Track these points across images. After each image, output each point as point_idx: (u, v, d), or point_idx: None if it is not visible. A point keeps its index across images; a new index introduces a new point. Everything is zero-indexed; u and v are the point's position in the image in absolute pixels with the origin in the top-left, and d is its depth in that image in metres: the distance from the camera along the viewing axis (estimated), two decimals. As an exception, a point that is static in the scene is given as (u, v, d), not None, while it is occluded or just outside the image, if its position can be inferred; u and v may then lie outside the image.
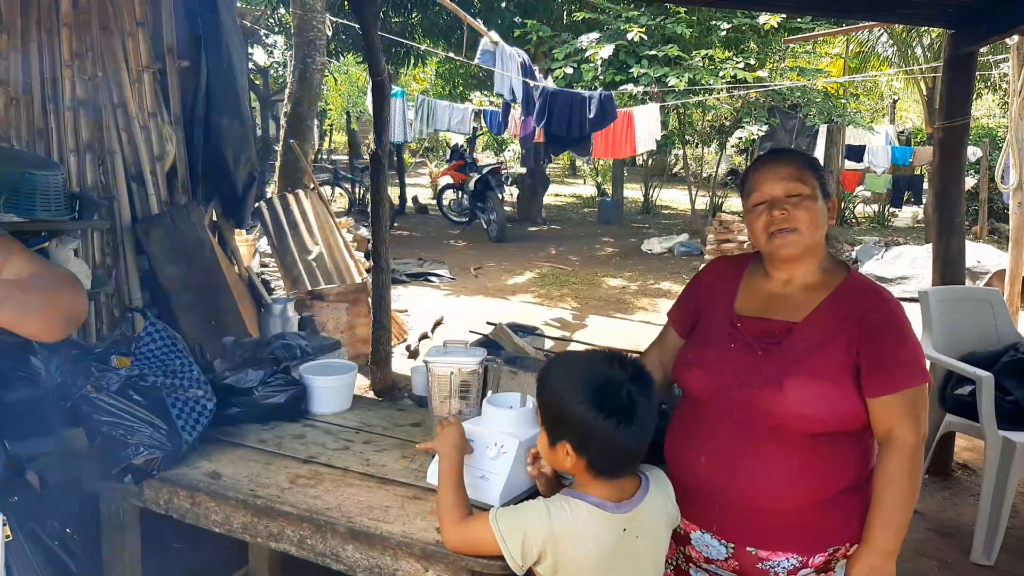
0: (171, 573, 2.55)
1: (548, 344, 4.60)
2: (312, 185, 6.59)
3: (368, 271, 7.97)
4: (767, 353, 1.77)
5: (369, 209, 12.03)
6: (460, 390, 1.86)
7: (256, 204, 6.57)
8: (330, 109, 21.18)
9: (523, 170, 13.43)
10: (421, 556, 1.57)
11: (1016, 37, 5.24)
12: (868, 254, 8.96)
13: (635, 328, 6.98)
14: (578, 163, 21.96)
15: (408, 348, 6.08)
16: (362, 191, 12.67)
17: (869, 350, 1.72)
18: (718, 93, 8.78)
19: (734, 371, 1.77)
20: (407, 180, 15.51)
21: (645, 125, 7.85)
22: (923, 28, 11.35)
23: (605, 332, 6.82)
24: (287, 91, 8.05)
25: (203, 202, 4.96)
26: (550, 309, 7.54)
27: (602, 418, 1.40)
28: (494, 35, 7.19)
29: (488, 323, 4.12)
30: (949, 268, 3.85)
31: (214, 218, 5.18)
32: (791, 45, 9.87)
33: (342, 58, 12.80)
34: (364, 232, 8.67)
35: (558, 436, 1.47)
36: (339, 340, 4.13)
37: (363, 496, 1.76)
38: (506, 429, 1.73)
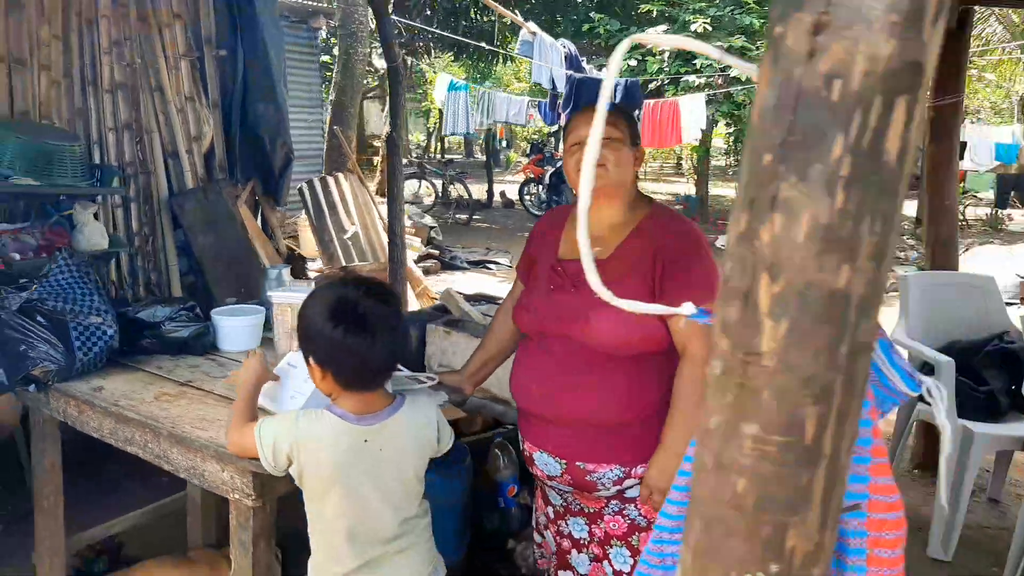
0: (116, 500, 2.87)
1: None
2: (354, 170, 6.94)
3: (422, 257, 8.31)
4: (578, 290, 1.90)
5: (453, 201, 12.52)
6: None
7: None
8: (435, 108, 21.83)
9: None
10: (217, 458, 1.78)
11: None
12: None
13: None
14: (684, 161, 21.66)
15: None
16: (445, 185, 13.05)
17: (663, 275, 1.86)
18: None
19: (555, 309, 1.93)
20: (505, 176, 15.84)
21: (691, 115, 7.74)
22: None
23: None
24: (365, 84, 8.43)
25: (242, 181, 5.38)
26: (595, 298, 7.58)
27: (332, 329, 1.55)
28: (532, 25, 7.31)
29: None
30: (941, 253, 3.69)
31: (256, 196, 5.61)
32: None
33: (435, 56, 13.23)
34: (428, 221, 9.00)
35: (308, 353, 1.63)
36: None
37: (204, 411, 1.98)
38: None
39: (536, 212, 12.95)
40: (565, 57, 7.22)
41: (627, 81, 6.55)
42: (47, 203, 3.81)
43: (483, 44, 9.30)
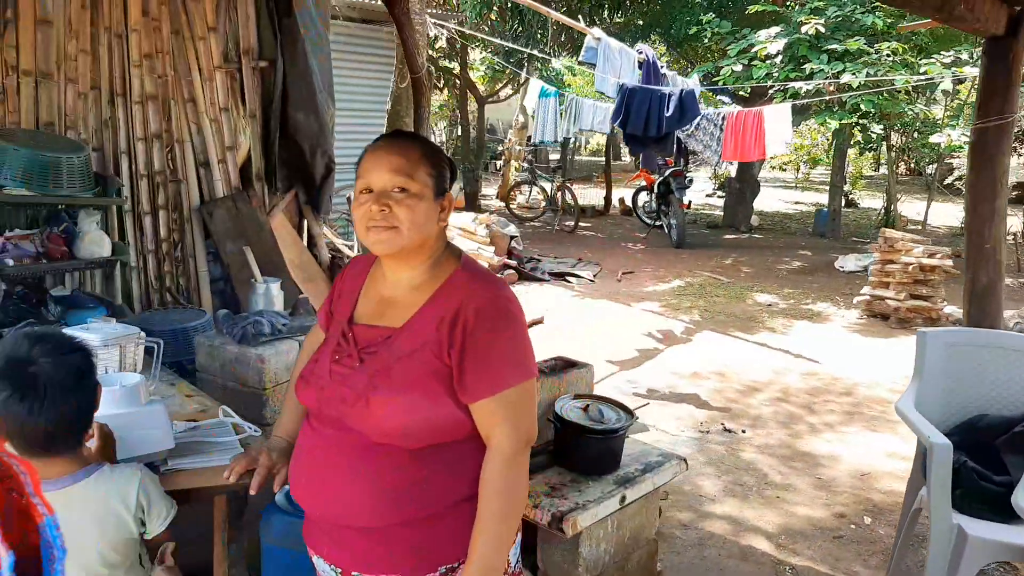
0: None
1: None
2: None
3: (497, 268, 8.13)
4: (364, 365, 1.65)
5: (559, 208, 12.27)
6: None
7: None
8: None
9: (732, 173, 12.72)
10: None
11: None
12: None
13: (741, 349, 6.36)
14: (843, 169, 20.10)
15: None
16: (554, 191, 12.82)
17: (460, 351, 1.56)
18: (907, 90, 7.60)
19: (336, 385, 1.66)
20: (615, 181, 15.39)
21: (776, 126, 7.04)
22: None
23: (697, 349, 6.31)
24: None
25: (282, 190, 5.46)
26: (666, 319, 7.13)
27: None
28: (596, 31, 6.92)
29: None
30: (976, 305, 3.06)
31: (300, 206, 5.68)
32: None
33: (559, 59, 13.03)
34: (512, 230, 8.83)
35: None
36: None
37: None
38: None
39: (647, 221, 12.46)
40: (639, 64, 6.83)
41: (682, 92, 6.04)
42: (61, 211, 3.99)
43: (533, 51, 9.01)
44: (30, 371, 1.41)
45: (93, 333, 1.91)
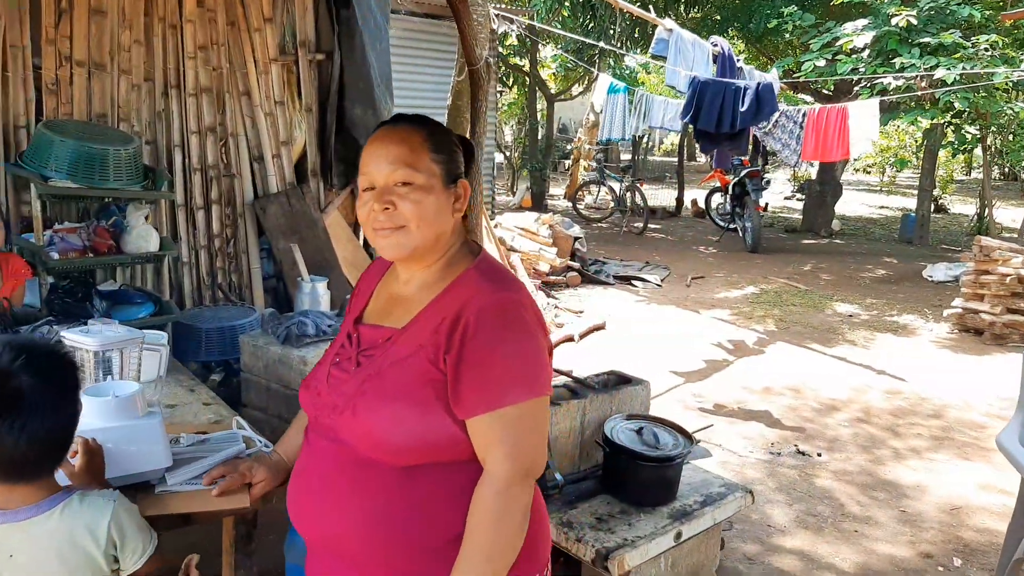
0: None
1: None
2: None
3: (559, 270, 7.87)
4: (359, 369, 1.45)
5: (628, 208, 11.93)
6: (96, 367, 1.77)
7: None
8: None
9: (812, 175, 12.13)
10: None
11: None
12: None
13: (818, 363, 5.94)
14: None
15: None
16: (623, 191, 12.47)
17: (456, 357, 1.35)
18: (1006, 88, 6.99)
19: (330, 391, 1.48)
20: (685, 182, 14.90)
21: (861, 124, 6.51)
22: None
23: (770, 362, 5.92)
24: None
25: (337, 185, 5.33)
26: (737, 329, 6.74)
27: None
28: (668, 22, 6.55)
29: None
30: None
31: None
32: None
33: (632, 55, 12.66)
34: (576, 231, 8.55)
35: None
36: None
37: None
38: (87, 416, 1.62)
39: (721, 223, 11.98)
40: (714, 57, 6.45)
41: (759, 85, 5.60)
42: (111, 204, 3.93)
43: (602, 44, 8.62)
44: (10, 386, 1.24)
45: (91, 337, 1.74)
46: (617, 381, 2.71)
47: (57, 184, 3.51)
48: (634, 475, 2.33)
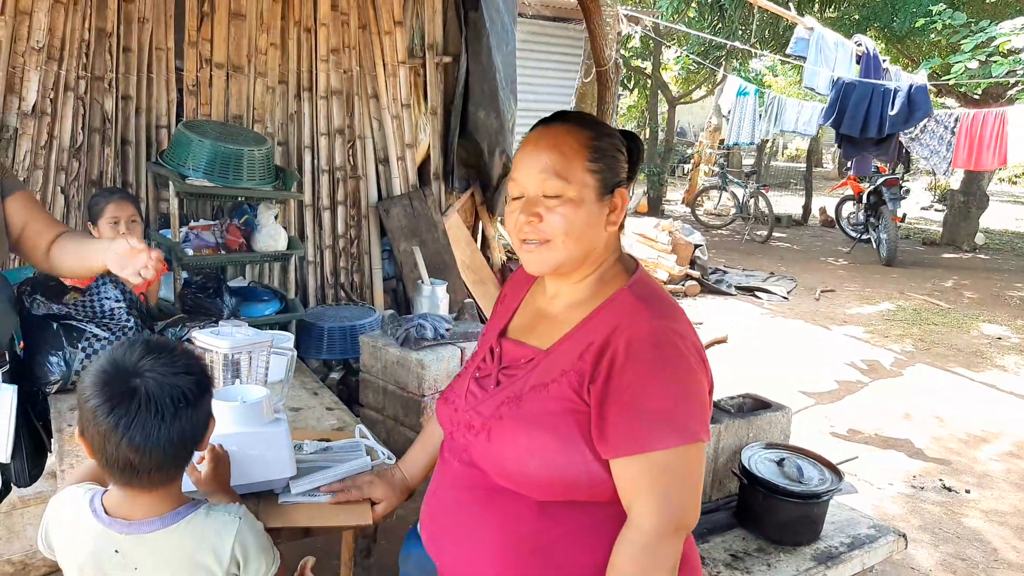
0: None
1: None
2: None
3: (678, 279, 7.61)
4: (499, 388, 1.37)
5: (751, 216, 11.45)
6: (225, 369, 1.75)
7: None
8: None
9: (953, 184, 11.28)
10: None
11: None
12: None
13: (964, 388, 5.46)
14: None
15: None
16: (746, 198, 11.99)
17: (602, 390, 1.23)
18: None
19: (468, 408, 1.41)
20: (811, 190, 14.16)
21: (1021, 131, 5.90)
22: None
23: (910, 385, 5.47)
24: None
25: (459, 189, 5.31)
26: (872, 348, 6.30)
27: (88, 398, 1.21)
28: (809, 20, 6.15)
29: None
30: None
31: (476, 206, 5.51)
32: None
33: (762, 56, 12.19)
34: (697, 238, 8.25)
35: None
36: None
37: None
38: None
39: (852, 234, 11.30)
40: (857, 57, 6.02)
41: (911, 87, 5.14)
42: (244, 204, 4.03)
43: (736, 43, 8.20)
44: (131, 383, 1.21)
45: (222, 338, 1.72)
46: (754, 405, 2.51)
47: (194, 183, 3.62)
48: (774, 511, 2.13)
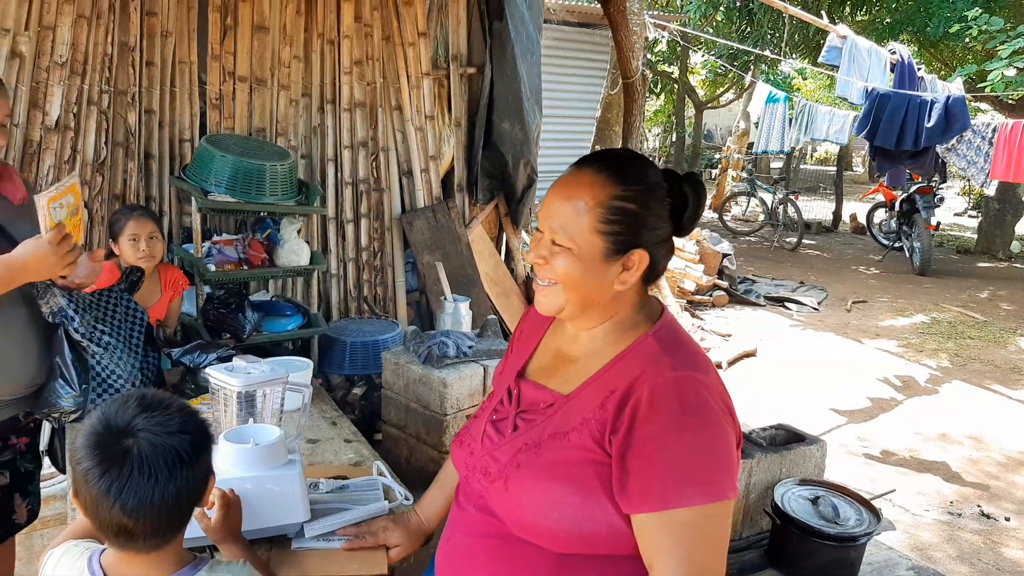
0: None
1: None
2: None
3: (705, 289, 7.49)
4: (516, 433, 1.31)
5: (780, 223, 11.27)
6: (239, 407, 1.69)
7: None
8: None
9: (987, 191, 11.01)
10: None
11: None
12: None
13: (1003, 407, 5.29)
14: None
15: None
16: (774, 204, 11.80)
17: (623, 442, 1.17)
18: None
19: (484, 453, 1.35)
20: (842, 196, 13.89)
21: None
22: None
23: (946, 403, 5.32)
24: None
25: (483, 200, 5.25)
26: (906, 363, 6.14)
27: (78, 458, 1.16)
28: (842, 29, 6.00)
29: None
30: None
31: (500, 217, 5.45)
32: None
33: (791, 61, 12.01)
34: (725, 247, 8.12)
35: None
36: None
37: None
38: (224, 463, 1.55)
39: (884, 242, 11.07)
40: (891, 66, 5.86)
41: (948, 98, 4.96)
42: (266, 218, 4.00)
43: (766, 52, 8.06)
44: (123, 444, 1.15)
45: (235, 376, 1.67)
46: (787, 438, 2.41)
47: (216, 198, 3.59)
48: (809, 553, 2.04)
